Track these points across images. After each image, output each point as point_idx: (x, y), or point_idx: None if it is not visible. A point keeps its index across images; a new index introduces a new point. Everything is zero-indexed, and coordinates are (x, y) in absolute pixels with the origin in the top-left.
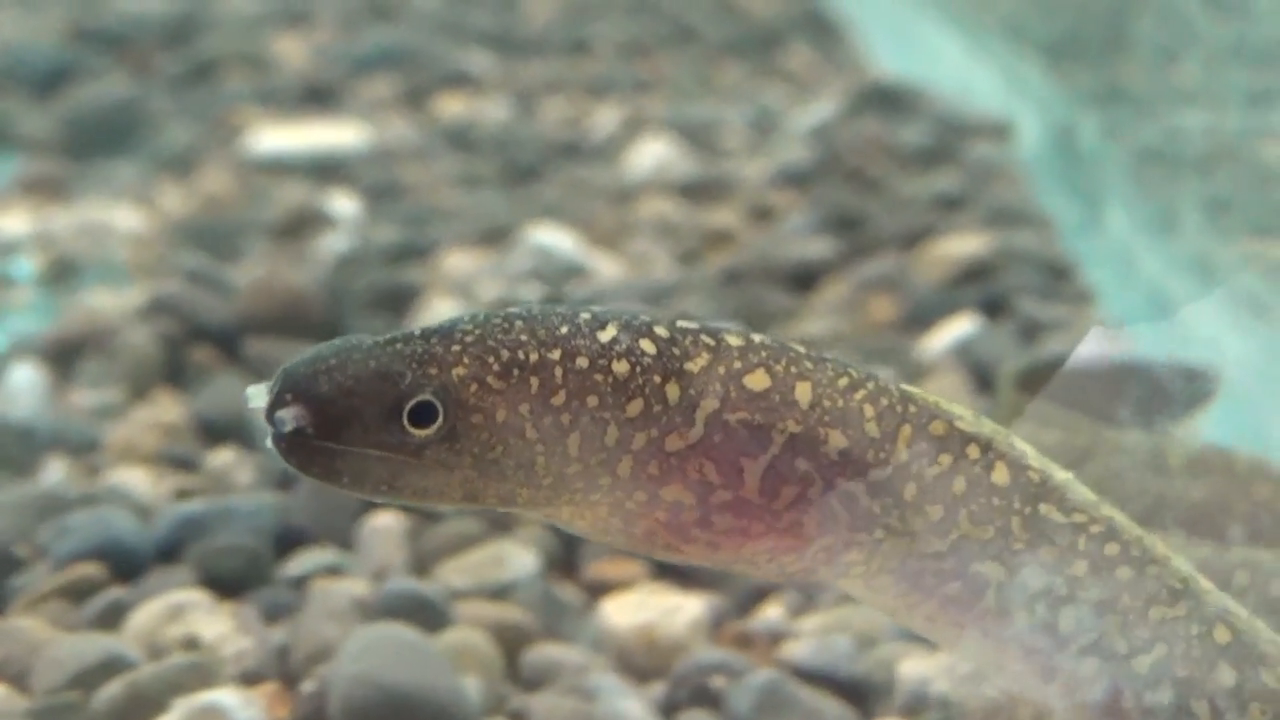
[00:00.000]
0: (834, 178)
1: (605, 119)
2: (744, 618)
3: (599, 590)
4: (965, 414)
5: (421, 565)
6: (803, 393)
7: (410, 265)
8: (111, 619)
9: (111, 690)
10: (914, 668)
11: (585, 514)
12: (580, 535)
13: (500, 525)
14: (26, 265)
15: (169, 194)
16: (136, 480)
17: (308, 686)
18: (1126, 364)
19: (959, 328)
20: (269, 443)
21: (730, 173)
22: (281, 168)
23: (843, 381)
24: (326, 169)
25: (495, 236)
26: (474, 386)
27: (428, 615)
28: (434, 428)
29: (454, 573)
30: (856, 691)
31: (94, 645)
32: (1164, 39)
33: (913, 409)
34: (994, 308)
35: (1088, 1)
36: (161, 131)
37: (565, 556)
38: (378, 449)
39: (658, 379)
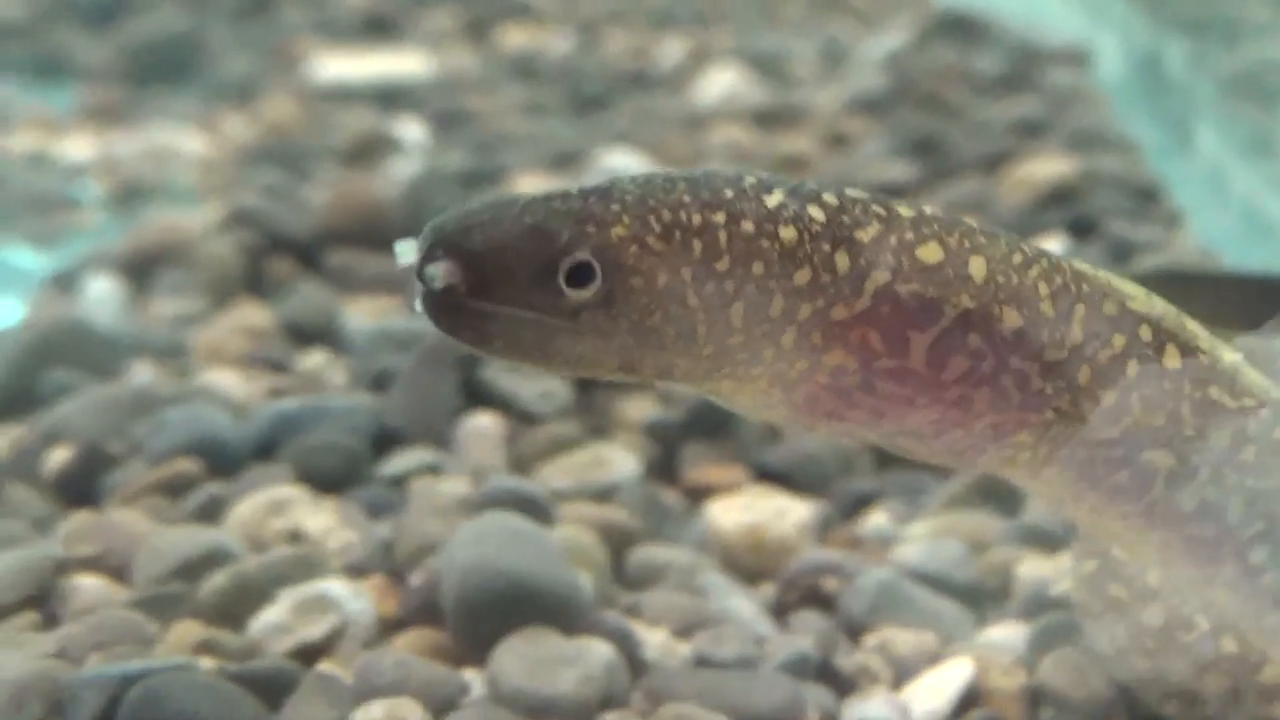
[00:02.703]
0: (908, 104)
1: (670, 50)
2: (848, 523)
3: (700, 495)
4: (1138, 293)
5: (520, 467)
6: (977, 267)
7: (482, 188)
8: (211, 513)
9: (217, 581)
10: (1032, 569)
11: (745, 388)
12: (739, 410)
13: (598, 430)
14: (92, 188)
15: (231, 121)
16: (227, 381)
17: (416, 579)
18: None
19: (1047, 248)
20: (417, 304)
21: (802, 100)
22: (345, 96)
23: (1017, 257)
24: (391, 97)
25: (566, 161)
26: (633, 248)
27: (532, 513)
28: (591, 289)
29: (554, 474)
30: (970, 595)
31: (196, 537)
32: None
33: (1085, 288)
34: (1082, 229)
35: None
36: (220, 62)
37: (664, 461)
38: (531, 310)
39: (826, 247)
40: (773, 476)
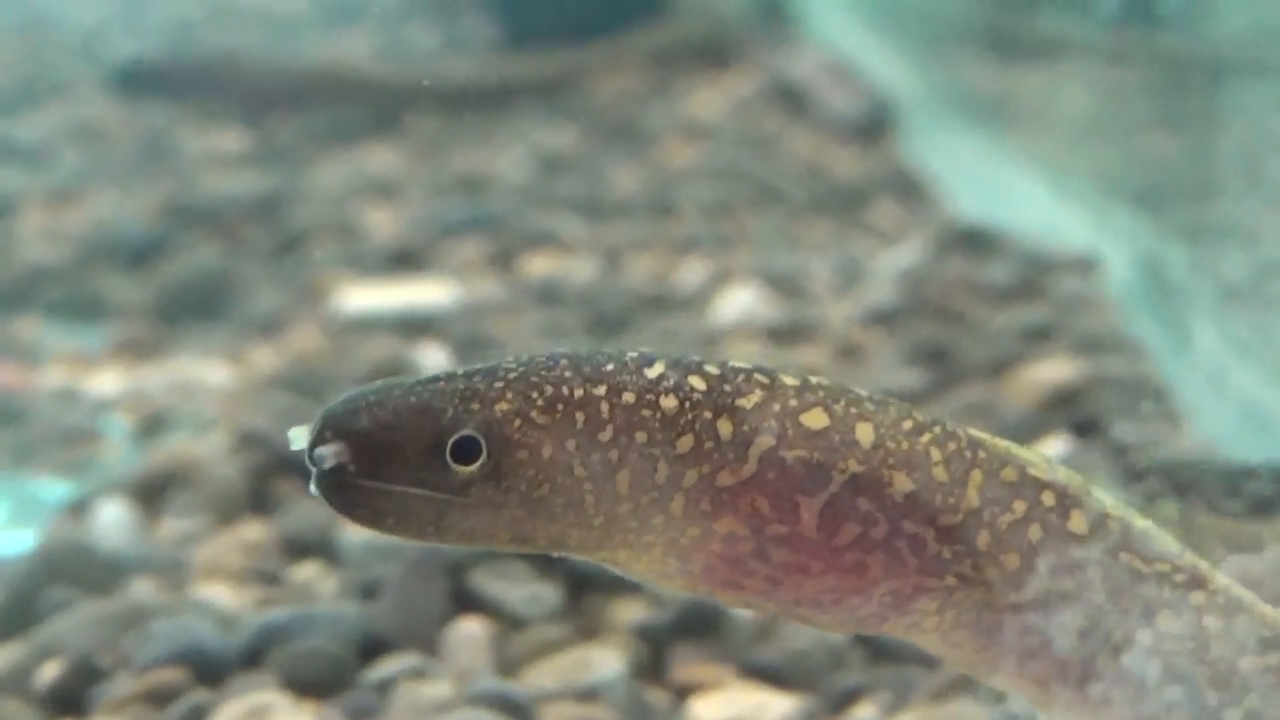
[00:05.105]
0: (920, 315)
1: (692, 272)
2: (834, 717)
3: (687, 693)
4: (1038, 460)
5: (507, 670)
6: (864, 433)
7: None
8: None
9: None
10: None
11: (641, 557)
12: (638, 580)
13: (587, 632)
14: (119, 423)
15: (259, 352)
16: (220, 594)
17: None
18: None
19: (1050, 449)
20: (312, 486)
21: (817, 315)
22: (369, 325)
23: (907, 424)
24: (415, 325)
25: None
26: (517, 422)
27: (512, 713)
28: (477, 464)
29: (539, 676)
30: None
31: None
32: (1247, 186)
33: (982, 454)
34: (1086, 429)
35: (1175, 152)
36: (251, 298)
37: (653, 662)
38: (421, 488)
39: (708, 415)
40: (761, 673)
